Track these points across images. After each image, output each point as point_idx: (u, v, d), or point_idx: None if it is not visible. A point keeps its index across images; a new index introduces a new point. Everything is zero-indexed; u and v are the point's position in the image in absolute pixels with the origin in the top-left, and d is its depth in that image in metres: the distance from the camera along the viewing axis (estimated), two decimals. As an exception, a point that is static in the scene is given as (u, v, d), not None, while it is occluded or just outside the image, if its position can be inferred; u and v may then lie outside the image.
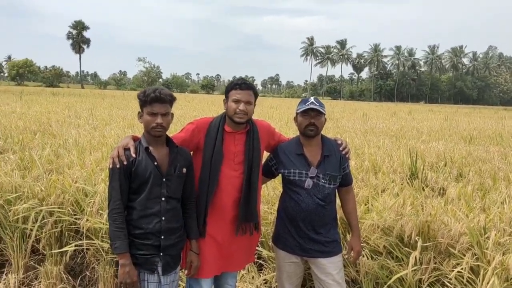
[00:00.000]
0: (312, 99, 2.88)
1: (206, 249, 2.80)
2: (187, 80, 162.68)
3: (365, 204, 4.25)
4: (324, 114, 2.88)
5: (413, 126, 16.00)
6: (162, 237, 2.55)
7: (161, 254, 2.56)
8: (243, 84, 2.77)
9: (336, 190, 3.00)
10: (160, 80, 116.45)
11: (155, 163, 2.54)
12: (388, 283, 3.33)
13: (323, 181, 2.82)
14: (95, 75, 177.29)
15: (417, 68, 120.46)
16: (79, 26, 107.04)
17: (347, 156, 2.96)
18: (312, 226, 2.83)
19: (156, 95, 2.50)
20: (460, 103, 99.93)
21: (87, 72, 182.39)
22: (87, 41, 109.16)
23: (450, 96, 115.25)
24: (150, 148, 2.57)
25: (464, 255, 3.25)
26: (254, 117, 2.96)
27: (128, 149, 2.53)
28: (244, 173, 2.82)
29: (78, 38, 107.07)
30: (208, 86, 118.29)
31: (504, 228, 3.55)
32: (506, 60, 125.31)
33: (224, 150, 2.80)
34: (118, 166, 2.48)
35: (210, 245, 2.81)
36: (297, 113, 2.92)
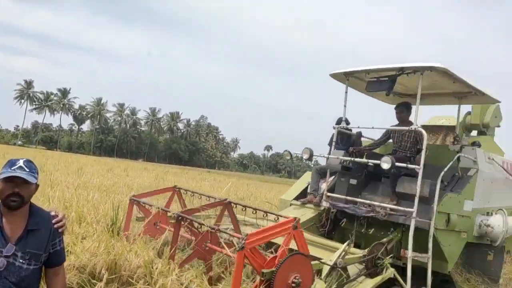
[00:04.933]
0: (21, 162, 2.48)
1: None
2: None
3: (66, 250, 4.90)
4: (36, 182, 2.52)
5: (125, 183, 17.17)
6: None
7: None
8: None
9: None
10: None
11: None
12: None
13: (20, 261, 2.42)
14: None
15: (138, 127, 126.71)
16: None
17: (59, 230, 2.62)
18: None
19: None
20: (174, 163, 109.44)
21: None
22: None
23: (166, 156, 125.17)
24: None
25: (138, 282, 4.35)
26: None
27: None
28: None
29: None
30: None
31: (169, 261, 4.87)
32: (213, 129, 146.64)
33: None
34: None
35: None
36: None
